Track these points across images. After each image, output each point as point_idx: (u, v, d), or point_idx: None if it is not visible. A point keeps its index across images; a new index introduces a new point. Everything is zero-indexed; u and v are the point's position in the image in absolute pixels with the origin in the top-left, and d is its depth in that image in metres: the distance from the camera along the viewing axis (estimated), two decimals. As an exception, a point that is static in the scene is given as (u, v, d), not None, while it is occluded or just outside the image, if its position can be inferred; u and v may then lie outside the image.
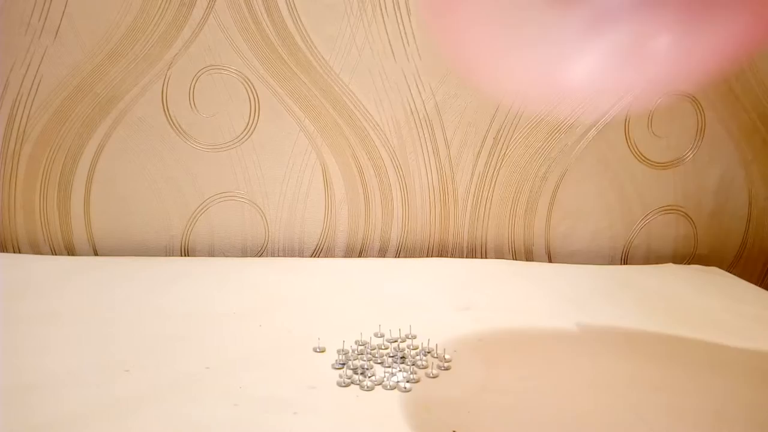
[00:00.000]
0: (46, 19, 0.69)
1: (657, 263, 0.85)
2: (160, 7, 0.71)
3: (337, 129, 0.77)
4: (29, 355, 0.48)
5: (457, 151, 0.80)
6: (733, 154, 0.86)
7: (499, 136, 0.80)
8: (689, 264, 0.86)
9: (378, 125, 0.78)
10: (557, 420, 0.43)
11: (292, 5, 0.73)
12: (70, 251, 0.76)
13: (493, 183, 0.82)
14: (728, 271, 0.82)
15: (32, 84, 0.71)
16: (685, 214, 0.86)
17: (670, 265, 0.84)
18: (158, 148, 0.75)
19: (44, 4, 0.69)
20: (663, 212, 0.86)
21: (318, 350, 0.51)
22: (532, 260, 0.85)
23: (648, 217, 0.86)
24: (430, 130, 0.79)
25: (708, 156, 0.85)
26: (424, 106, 0.78)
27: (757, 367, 0.52)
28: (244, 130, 0.76)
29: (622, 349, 0.55)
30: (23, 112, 0.71)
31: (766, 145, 0.86)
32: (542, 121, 0.80)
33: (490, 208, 0.82)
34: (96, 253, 0.76)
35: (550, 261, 0.85)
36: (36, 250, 0.75)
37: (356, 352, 0.50)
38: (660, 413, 0.44)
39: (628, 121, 0.82)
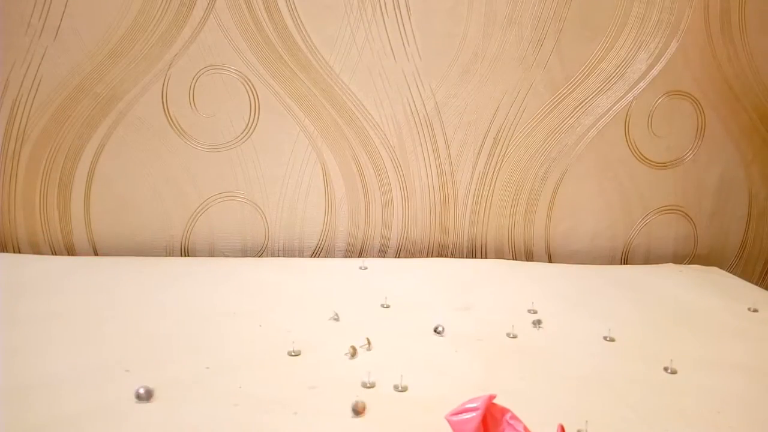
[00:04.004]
0: (46, 19, 0.69)
1: (657, 263, 0.85)
2: (160, 7, 0.71)
3: (337, 129, 0.77)
4: (29, 355, 0.48)
5: (457, 151, 0.80)
6: (733, 154, 0.86)
7: (499, 136, 0.80)
8: (689, 264, 0.86)
9: (378, 125, 0.78)
10: (557, 420, 0.43)
11: (292, 5, 0.73)
12: (70, 251, 0.76)
13: (493, 183, 0.82)
14: (728, 271, 0.83)
15: (32, 84, 0.71)
16: (685, 214, 0.86)
17: (670, 265, 0.84)
18: (158, 148, 0.75)
19: (44, 4, 0.69)
20: (663, 212, 0.86)
21: (293, 354, 0.50)
22: (533, 260, 0.85)
23: (648, 217, 0.86)
24: (430, 130, 0.79)
25: (708, 156, 0.85)
26: (424, 106, 0.78)
27: (757, 367, 0.52)
28: (244, 130, 0.76)
29: (622, 349, 0.55)
30: (23, 112, 0.71)
31: (766, 145, 0.86)
32: (542, 121, 0.80)
33: (490, 208, 0.82)
34: (96, 253, 0.76)
35: (550, 261, 0.85)
36: (36, 250, 0.75)
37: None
38: (660, 413, 0.44)
39: (628, 121, 0.82)
